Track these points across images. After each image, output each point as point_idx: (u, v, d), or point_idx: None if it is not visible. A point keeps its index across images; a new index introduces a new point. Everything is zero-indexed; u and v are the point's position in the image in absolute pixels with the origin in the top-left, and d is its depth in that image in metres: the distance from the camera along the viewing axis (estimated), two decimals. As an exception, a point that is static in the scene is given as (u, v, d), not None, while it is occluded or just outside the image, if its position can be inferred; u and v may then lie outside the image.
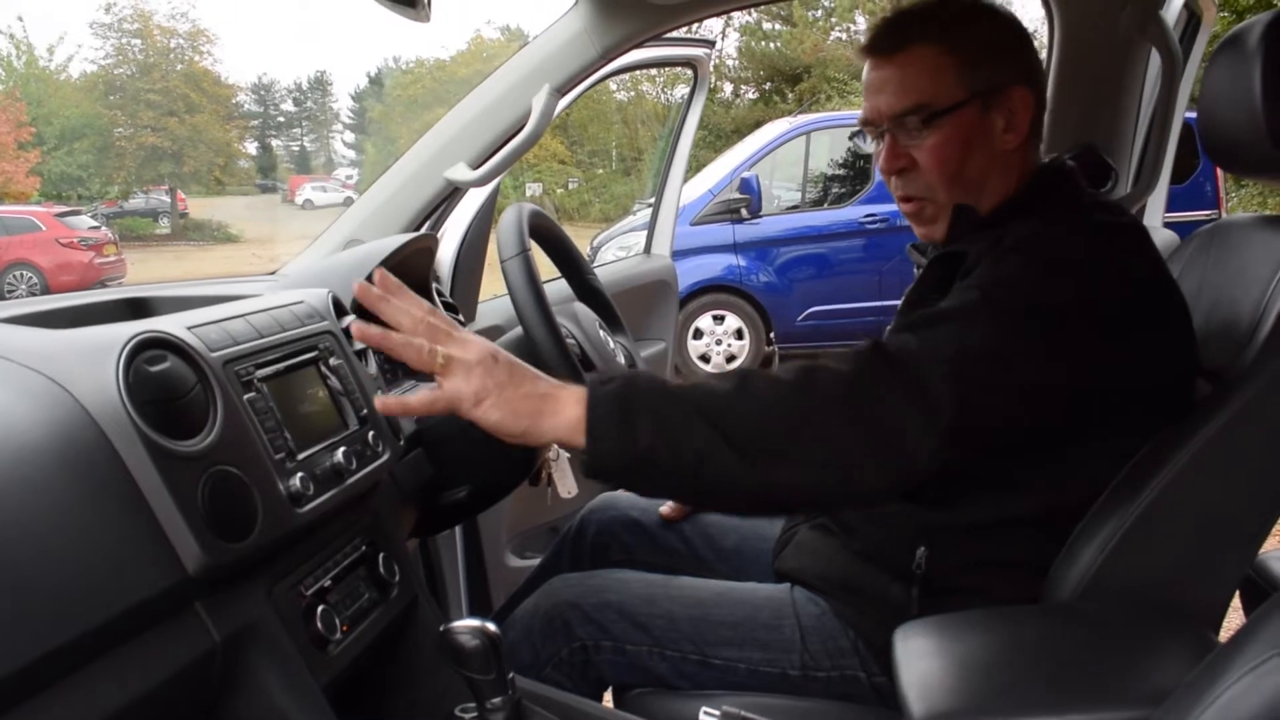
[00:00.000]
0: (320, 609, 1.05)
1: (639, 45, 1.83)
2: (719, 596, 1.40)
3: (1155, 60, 2.06)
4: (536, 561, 1.76)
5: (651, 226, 3.14)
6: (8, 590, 0.72)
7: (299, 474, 1.02)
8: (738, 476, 1.02)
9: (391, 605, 1.19)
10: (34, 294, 12.88)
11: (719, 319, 7.39)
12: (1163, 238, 2.16)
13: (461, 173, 1.73)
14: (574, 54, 1.73)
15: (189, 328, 1.00)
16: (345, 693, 1.09)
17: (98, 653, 0.79)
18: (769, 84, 23.04)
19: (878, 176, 1.38)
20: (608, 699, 1.44)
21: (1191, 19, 2.35)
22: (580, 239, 8.71)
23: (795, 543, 1.41)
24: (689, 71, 2.93)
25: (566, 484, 1.59)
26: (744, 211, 7.40)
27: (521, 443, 1.05)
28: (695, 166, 8.40)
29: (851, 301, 7.26)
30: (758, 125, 10.78)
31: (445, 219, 1.97)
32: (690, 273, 7.04)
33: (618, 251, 6.76)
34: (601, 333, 1.56)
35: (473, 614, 1.92)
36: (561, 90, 1.75)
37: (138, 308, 1.32)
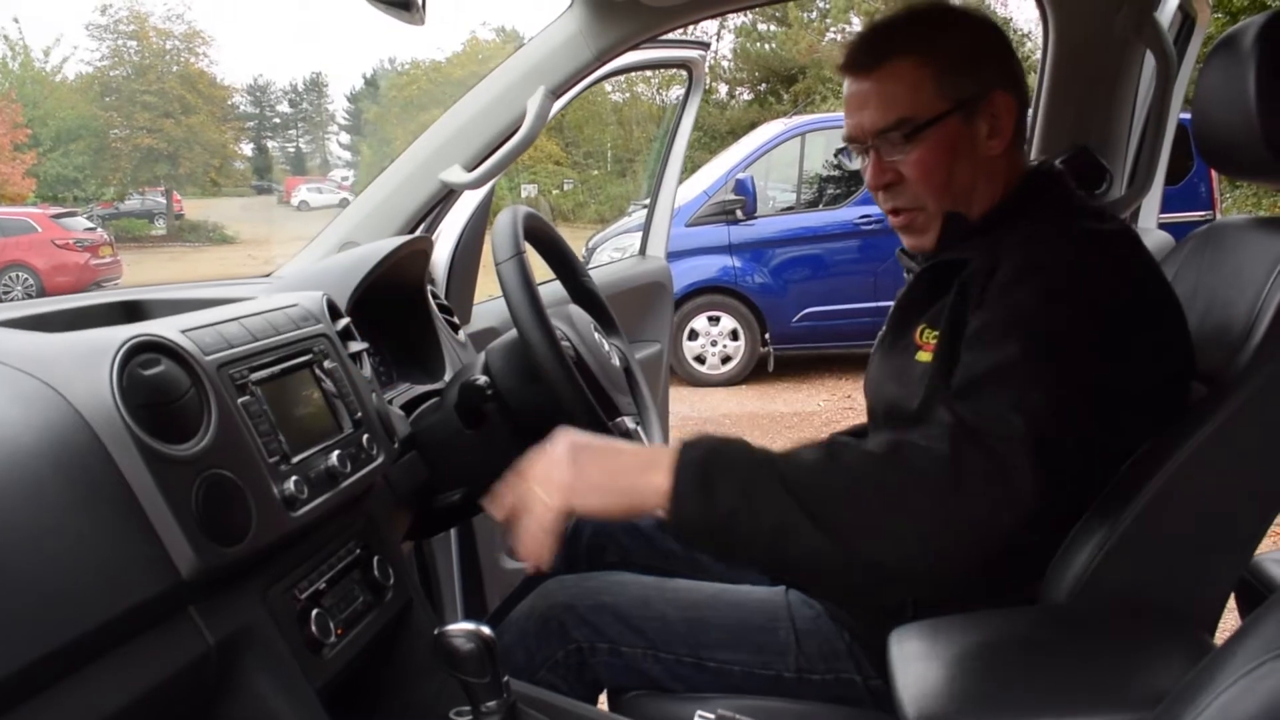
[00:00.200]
0: (314, 612, 1.04)
1: (634, 47, 1.83)
2: (714, 599, 1.40)
3: (1150, 62, 2.07)
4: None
5: (646, 228, 3.14)
6: (0, 594, 0.72)
7: (293, 477, 1.02)
8: (821, 551, 1.00)
9: (386, 608, 1.19)
10: (30, 296, 12.87)
11: (714, 320, 7.40)
12: (1158, 239, 2.16)
13: (456, 175, 1.73)
14: (569, 56, 1.73)
15: (183, 331, 0.99)
16: (340, 696, 1.08)
17: (91, 657, 0.79)
18: (764, 85, 23.05)
19: (872, 179, 1.37)
20: (603, 701, 1.44)
21: (1186, 20, 2.35)
22: (576, 240, 8.72)
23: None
24: (684, 73, 2.93)
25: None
26: (739, 213, 7.41)
27: (631, 516, 1.09)
28: (690, 168, 8.43)
29: (847, 302, 7.27)
30: (753, 127, 10.78)
31: (440, 221, 1.97)
32: (686, 274, 7.04)
33: (613, 253, 6.77)
34: (596, 335, 1.56)
35: (468, 616, 1.92)
36: (556, 92, 1.75)
37: (132, 311, 1.31)
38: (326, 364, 1.19)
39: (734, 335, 7.42)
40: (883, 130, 1.24)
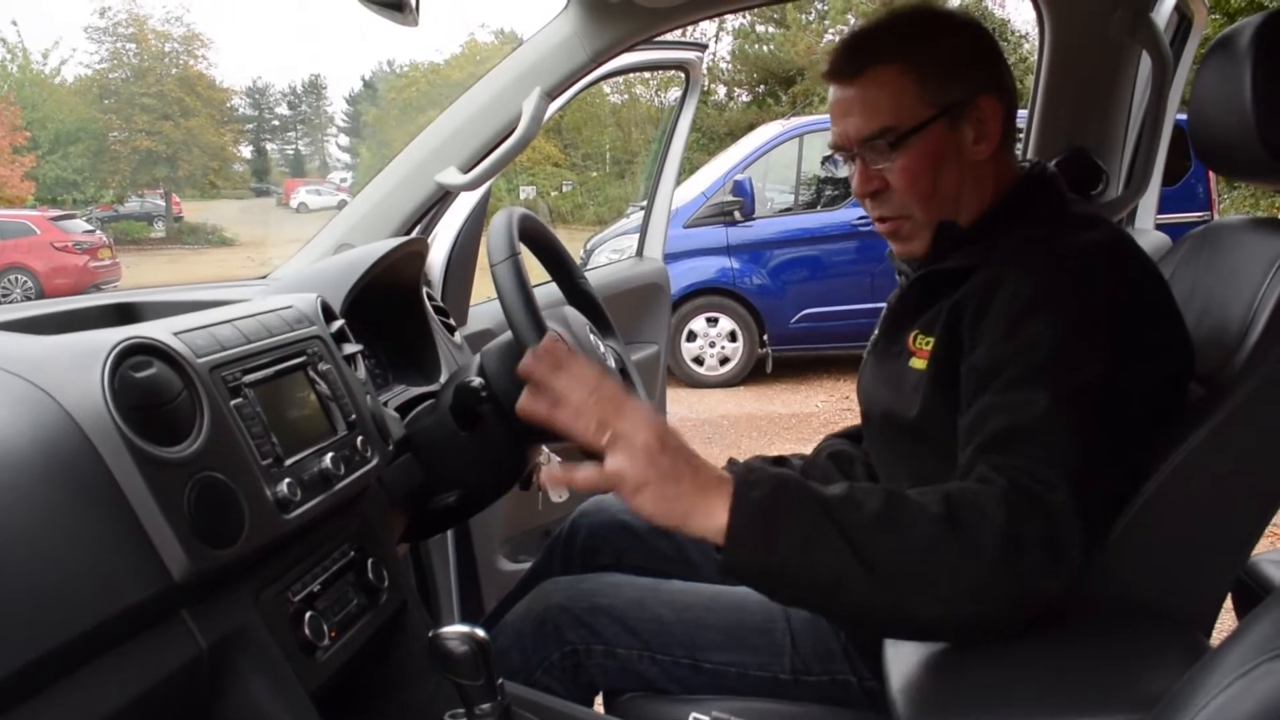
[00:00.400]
0: (308, 615, 1.04)
1: (630, 49, 1.83)
2: (710, 600, 1.39)
3: (1146, 63, 2.06)
4: (529, 565, 1.75)
5: (643, 230, 3.14)
6: (-9, 598, 0.72)
7: (286, 480, 1.02)
8: (873, 604, 1.00)
9: (380, 611, 1.18)
10: (29, 298, 12.85)
11: (712, 321, 7.40)
12: (1155, 240, 2.16)
13: (452, 176, 1.73)
14: (565, 57, 1.73)
15: (175, 333, 0.99)
16: (333, 699, 1.08)
17: (82, 661, 0.78)
18: (762, 86, 23.06)
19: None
20: (598, 704, 1.44)
21: (1182, 21, 2.35)
22: (574, 242, 8.72)
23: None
24: (682, 75, 2.93)
25: (557, 488, 1.58)
26: (737, 214, 7.41)
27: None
28: (689, 169, 8.43)
29: (844, 304, 7.27)
30: (751, 128, 10.79)
31: (436, 223, 1.97)
32: (684, 275, 7.05)
33: (611, 254, 6.76)
34: (592, 337, 1.56)
35: (465, 618, 1.92)
36: (552, 94, 1.74)
37: (125, 313, 1.31)
38: (321, 366, 1.18)
39: (732, 336, 7.42)
40: (867, 138, 1.23)
